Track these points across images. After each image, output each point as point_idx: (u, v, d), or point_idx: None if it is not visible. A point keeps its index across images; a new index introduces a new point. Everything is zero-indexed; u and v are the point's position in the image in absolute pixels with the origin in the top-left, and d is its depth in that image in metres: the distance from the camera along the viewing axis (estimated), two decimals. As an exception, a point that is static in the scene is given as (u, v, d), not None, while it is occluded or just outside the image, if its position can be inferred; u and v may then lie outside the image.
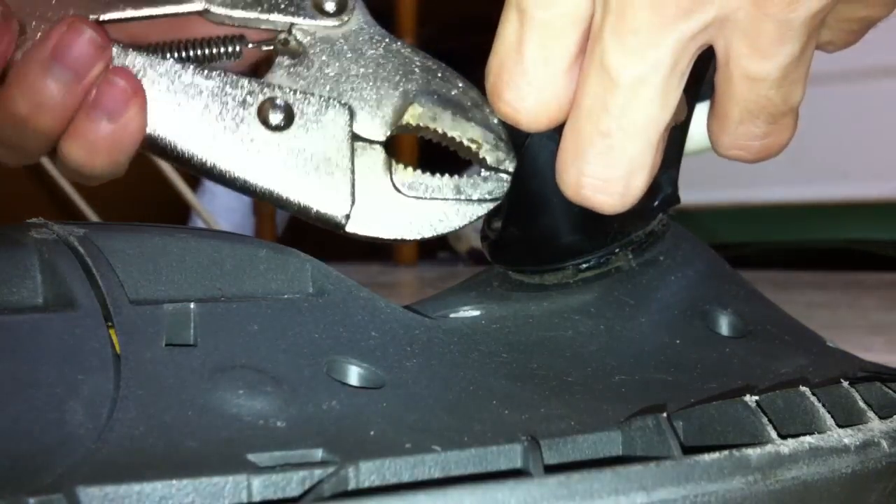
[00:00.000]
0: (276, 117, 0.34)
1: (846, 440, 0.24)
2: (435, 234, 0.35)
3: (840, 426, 0.25)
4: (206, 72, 0.34)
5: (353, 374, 0.26)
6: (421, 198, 0.35)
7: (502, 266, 0.36)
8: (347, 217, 0.34)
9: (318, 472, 0.20)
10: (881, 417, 0.26)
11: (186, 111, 0.34)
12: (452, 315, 0.33)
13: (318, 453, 0.22)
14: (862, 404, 0.26)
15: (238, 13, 0.35)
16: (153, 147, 0.34)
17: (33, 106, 0.32)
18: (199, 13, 0.35)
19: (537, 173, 0.34)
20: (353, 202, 0.34)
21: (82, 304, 0.24)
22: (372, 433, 0.23)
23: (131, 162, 0.35)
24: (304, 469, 0.20)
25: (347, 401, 0.24)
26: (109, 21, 0.34)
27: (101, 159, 0.33)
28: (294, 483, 0.20)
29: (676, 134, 0.34)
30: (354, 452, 0.22)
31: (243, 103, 0.34)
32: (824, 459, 0.23)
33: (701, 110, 0.34)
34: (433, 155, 0.37)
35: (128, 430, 0.21)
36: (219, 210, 1.93)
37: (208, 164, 0.34)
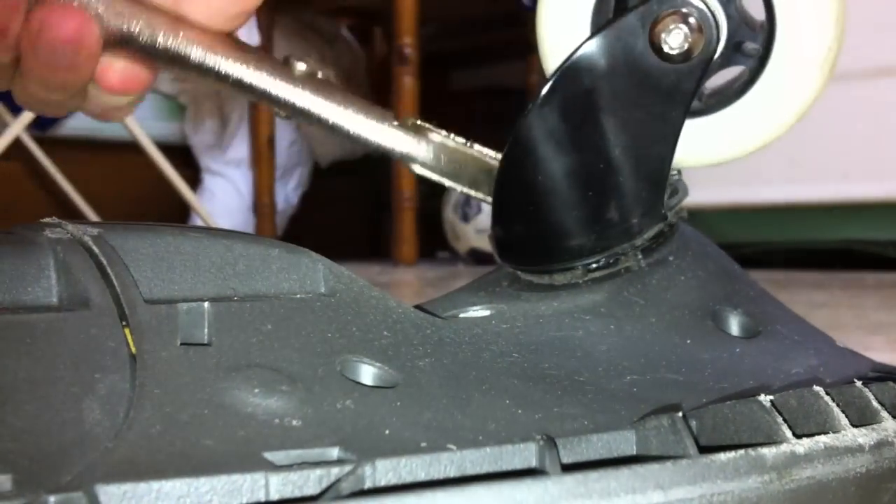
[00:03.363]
0: None
1: (860, 440, 0.24)
2: None
3: (854, 426, 0.25)
4: None
5: (367, 374, 0.26)
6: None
7: (511, 266, 0.36)
8: None
9: (335, 471, 0.21)
10: (895, 417, 0.26)
11: None
12: (462, 315, 0.33)
13: (335, 452, 0.22)
14: (875, 404, 0.26)
15: None
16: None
17: (47, 88, 0.33)
18: None
19: (533, 169, 0.34)
20: None
21: (97, 303, 0.24)
22: (387, 432, 0.23)
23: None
24: (321, 467, 0.21)
25: (362, 400, 0.24)
26: None
27: (120, 113, 0.36)
28: (311, 481, 0.20)
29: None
30: (370, 451, 0.22)
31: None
32: (839, 459, 0.23)
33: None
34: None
35: (145, 428, 0.21)
36: (219, 210, 1.93)
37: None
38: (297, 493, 0.20)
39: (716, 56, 0.33)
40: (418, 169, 0.36)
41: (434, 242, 1.97)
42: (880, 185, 1.35)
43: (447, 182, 0.36)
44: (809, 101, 0.33)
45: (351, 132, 0.35)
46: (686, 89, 0.33)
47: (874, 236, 1.43)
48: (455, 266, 1.82)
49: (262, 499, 0.20)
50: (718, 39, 0.33)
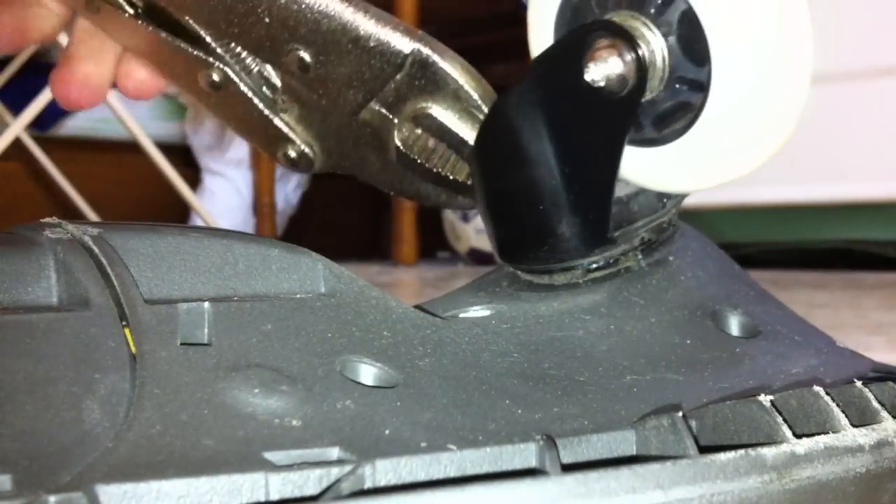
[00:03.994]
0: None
1: (860, 440, 0.24)
2: None
3: (854, 426, 0.25)
4: None
5: (367, 374, 0.26)
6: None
7: (511, 266, 0.36)
8: None
9: (335, 471, 0.21)
10: (895, 417, 0.26)
11: None
12: (462, 315, 0.33)
13: (335, 452, 0.22)
14: (875, 404, 0.26)
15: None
16: None
17: None
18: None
19: (494, 174, 0.34)
20: None
21: (97, 303, 0.24)
22: (387, 432, 0.23)
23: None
24: (321, 467, 0.21)
25: (362, 400, 0.24)
26: None
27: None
28: (311, 481, 0.20)
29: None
30: (370, 451, 0.22)
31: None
32: (839, 459, 0.23)
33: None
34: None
35: (145, 428, 0.21)
36: (219, 210, 1.93)
37: None
38: (297, 493, 0.20)
39: (655, 89, 0.32)
40: (435, 109, 0.35)
41: (434, 242, 1.97)
42: (880, 185, 1.34)
43: (457, 127, 0.35)
44: (755, 137, 0.32)
45: (375, 35, 0.34)
46: (620, 120, 0.32)
47: (874, 236, 1.43)
48: (455, 266, 1.82)
49: (262, 499, 0.20)
50: (646, 73, 0.31)
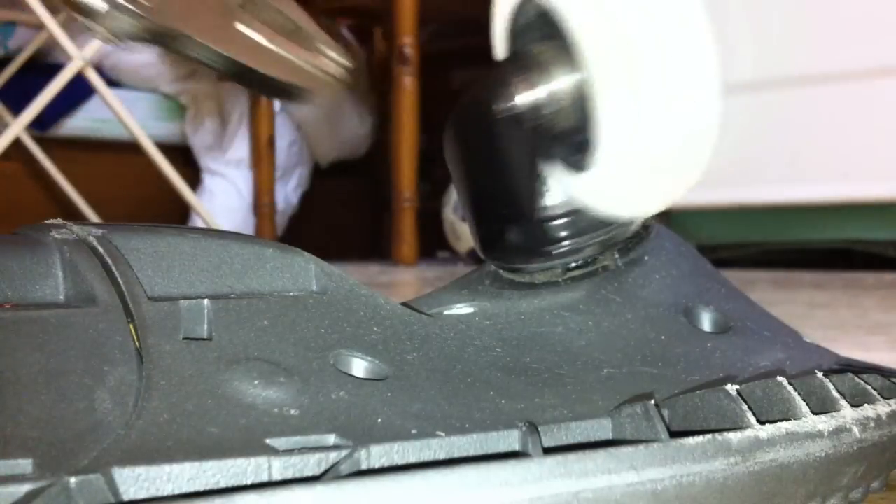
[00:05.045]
0: None
1: (820, 426, 0.26)
2: None
3: (814, 413, 0.26)
4: None
5: (359, 367, 0.27)
6: None
7: (494, 264, 0.38)
8: None
9: (332, 455, 0.22)
10: (852, 406, 0.28)
11: None
12: (447, 312, 0.34)
13: (331, 438, 0.23)
14: (835, 393, 0.28)
15: None
16: None
17: None
18: None
19: (508, 170, 0.36)
20: None
21: (103, 300, 0.26)
22: (379, 420, 0.24)
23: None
24: (319, 452, 0.22)
25: (355, 391, 0.26)
26: None
27: None
28: (311, 465, 0.22)
29: None
30: (364, 438, 0.23)
31: None
32: (800, 444, 0.25)
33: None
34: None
35: (153, 416, 0.22)
36: (219, 210, 1.93)
37: None
38: (298, 476, 0.21)
39: (571, 119, 0.35)
40: None
41: (434, 242, 1.98)
42: (880, 185, 1.34)
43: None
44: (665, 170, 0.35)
45: None
46: (534, 144, 0.35)
47: (874, 236, 1.43)
48: (455, 266, 1.82)
49: (266, 480, 0.21)
50: (558, 102, 0.34)
